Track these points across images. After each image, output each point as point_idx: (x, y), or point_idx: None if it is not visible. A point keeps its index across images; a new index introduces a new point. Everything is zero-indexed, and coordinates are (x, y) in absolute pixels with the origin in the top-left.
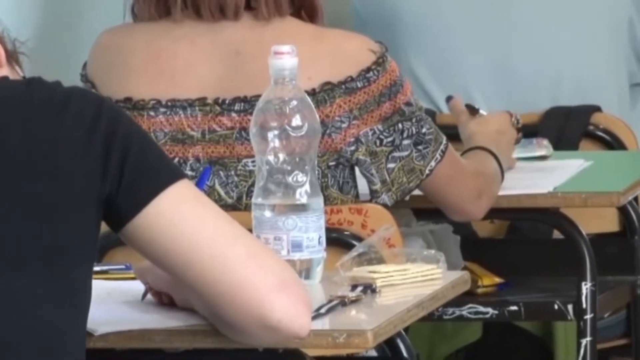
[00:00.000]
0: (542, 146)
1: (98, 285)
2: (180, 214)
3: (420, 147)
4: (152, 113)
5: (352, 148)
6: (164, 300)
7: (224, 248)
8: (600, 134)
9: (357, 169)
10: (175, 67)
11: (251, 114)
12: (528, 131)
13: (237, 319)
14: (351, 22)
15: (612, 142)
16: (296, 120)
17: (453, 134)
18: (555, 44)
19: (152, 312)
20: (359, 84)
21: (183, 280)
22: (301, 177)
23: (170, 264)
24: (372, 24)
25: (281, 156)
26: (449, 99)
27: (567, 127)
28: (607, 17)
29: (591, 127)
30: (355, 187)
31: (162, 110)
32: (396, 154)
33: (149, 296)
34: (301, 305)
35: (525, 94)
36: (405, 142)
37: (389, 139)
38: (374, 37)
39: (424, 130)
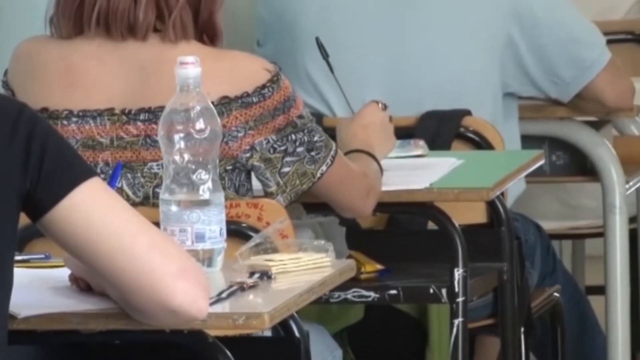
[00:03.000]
0: (419, 146)
1: (20, 273)
2: (92, 208)
3: (312, 153)
4: (65, 122)
5: (247, 155)
6: (82, 285)
7: (131, 239)
8: (470, 135)
9: (252, 174)
10: (86, 81)
11: (155, 123)
12: (406, 133)
13: (143, 303)
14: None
15: (481, 143)
16: (199, 124)
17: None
18: (439, 54)
19: (69, 296)
20: (255, 99)
21: (94, 268)
22: (204, 175)
23: (83, 253)
24: (275, 32)
25: (186, 156)
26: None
27: (440, 129)
28: (484, 32)
29: (462, 129)
30: (250, 189)
31: (74, 119)
32: (289, 159)
33: (68, 282)
34: (200, 291)
35: (412, 97)
36: (299, 149)
37: (282, 148)
38: (279, 43)
39: (315, 138)
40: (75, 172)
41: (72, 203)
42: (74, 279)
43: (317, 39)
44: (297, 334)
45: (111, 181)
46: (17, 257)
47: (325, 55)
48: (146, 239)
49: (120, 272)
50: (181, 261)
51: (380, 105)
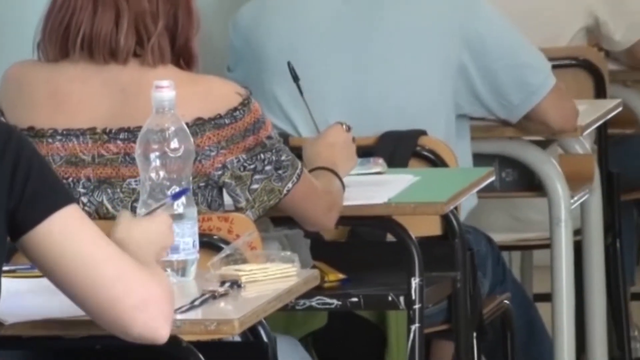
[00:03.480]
0: (378, 164)
1: (7, 283)
2: (65, 235)
3: (279, 172)
4: (50, 140)
5: (219, 173)
6: None
7: (97, 269)
8: (426, 154)
9: (224, 191)
10: (70, 102)
11: (133, 141)
12: (366, 151)
13: (106, 327)
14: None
15: (435, 161)
16: (174, 144)
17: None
18: (397, 79)
19: (53, 304)
20: (227, 121)
21: (62, 292)
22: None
23: (53, 276)
24: (244, 58)
25: (161, 173)
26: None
27: (398, 148)
28: (439, 59)
29: (418, 148)
30: (222, 204)
31: (59, 137)
32: (258, 177)
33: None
34: (160, 321)
35: (372, 119)
36: (267, 168)
37: (252, 166)
38: (248, 68)
39: (282, 158)
40: (55, 198)
41: (48, 228)
42: None
43: (288, 64)
44: (265, 338)
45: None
46: (5, 268)
47: (295, 78)
48: (112, 270)
49: (84, 300)
50: (143, 292)
51: (344, 126)
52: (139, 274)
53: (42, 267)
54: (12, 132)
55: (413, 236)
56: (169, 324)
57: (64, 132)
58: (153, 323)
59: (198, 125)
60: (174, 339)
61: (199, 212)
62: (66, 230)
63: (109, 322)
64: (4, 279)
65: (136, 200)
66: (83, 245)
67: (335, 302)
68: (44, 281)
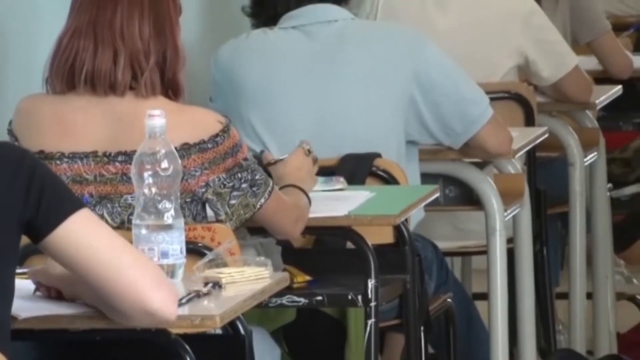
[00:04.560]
0: (340, 182)
1: (21, 283)
2: (81, 234)
3: (254, 189)
4: (58, 162)
5: (203, 190)
6: (53, 294)
7: (115, 258)
8: (380, 173)
9: (207, 205)
10: (75, 129)
11: (130, 163)
12: (329, 171)
13: (126, 307)
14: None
15: (389, 179)
16: (164, 164)
17: None
18: (356, 109)
19: (60, 302)
20: (209, 145)
21: (86, 280)
22: (168, 205)
23: (77, 269)
24: (224, 90)
25: (153, 190)
26: (261, 152)
27: (357, 168)
28: (392, 92)
29: (374, 169)
30: (205, 217)
31: (65, 160)
32: (236, 193)
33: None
34: (172, 298)
35: (334, 143)
36: (243, 185)
37: (230, 184)
38: (227, 98)
39: (256, 177)
40: (68, 205)
41: (65, 230)
42: (45, 288)
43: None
44: (242, 332)
45: None
46: (19, 270)
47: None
48: (128, 257)
49: (107, 284)
50: (156, 275)
51: (306, 148)
52: (149, 260)
53: (65, 264)
54: (25, 153)
55: (369, 244)
56: (177, 303)
57: (70, 155)
58: (168, 299)
59: (185, 149)
60: (164, 332)
61: (186, 223)
62: (82, 230)
63: (131, 301)
64: (18, 280)
65: (131, 213)
66: (99, 240)
67: (302, 300)
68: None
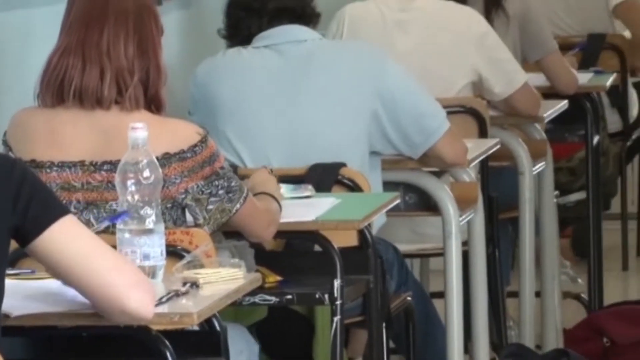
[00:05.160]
0: (308, 189)
1: (12, 284)
2: (65, 239)
3: (230, 195)
4: (48, 170)
5: (183, 196)
6: None
7: (95, 262)
8: (346, 181)
9: (186, 210)
10: (64, 140)
11: (114, 172)
12: (298, 179)
13: (106, 307)
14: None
15: (353, 187)
16: (146, 173)
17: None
18: (324, 122)
19: (49, 301)
20: (189, 155)
21: (70, 283)
22: (149, 211)
23: (60, 272)
24: (201, 104)
25: (136, 197)
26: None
27: (324, 177)
28: (356, 107)
29: (340, 177)
30: (185, 221)
31: (55, 168)
32: (213, 199)
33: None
34: (149, 297)
35: (303, 153)
36: (220, 192)
37: (208, 191)
38: (204, 112)
39: (232, 184)
40: (53, 212)
41: (49, 236)
42: None
43: None
44: (218, 328)
45: (112, 219)
46: (10, 272)
47: None
48: (107, 261)
49: (87, 286)
50: (134, 276)
51: (268, 169)
52: (129, 263)
53: (50, 267)
54: (15, 162)
55: (335, 247)
56: (154, 302)
57: (59, 164)
58: (145, 299)
59: (166, 159)
60: (145, 328)
61: (167, 228)
62: (66, 236)
63: (110, 301)
64: (10, 281)
65: None
66: (81, 245)
67: (273, 298)
68: (42, 282)
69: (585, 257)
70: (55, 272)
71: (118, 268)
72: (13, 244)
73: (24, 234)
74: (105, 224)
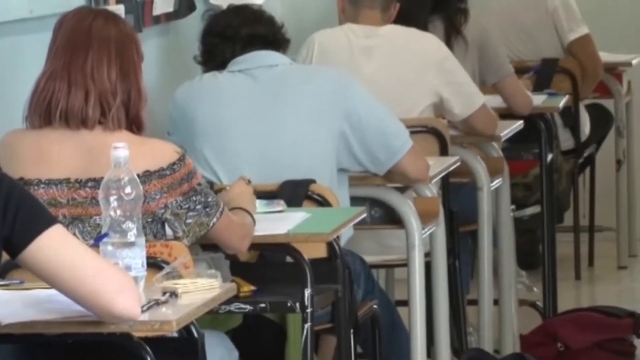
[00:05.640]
0: (280, 204)
1: (1, 294)
2: (52, 248)
3: (207, 210)
4: (35, 187)
5: (162, 211)
6: None
7: (81, 269)
8: (315, 197)
9: (166, 224)
10: (50, 159)
11: (98, 188)
12: (271, 195)
13: (95, 312)
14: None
15: (323, 202)
16: (127, 190)
17: None
18: (294, 142)
19: (37, 310)
20: (168, 172)
21: (60, 290)
22: (131, 225)
23: (50, 279)
24: (180, 125)
25: (118, 212)
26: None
27: (295, 193)
28: (325, 127)
29: (310, 193)
30: (164, 235)
31: (42, 185)
32: (191, 214)
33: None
34: (134, 301)
35: (276, 171)
36: (197, 207)
37: (186, 206)
38: (182, 132)
39: (209, 199)
40: (40, 223)
41: (38, 246)
42: None
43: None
44: (195, 334)
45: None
46: (0, 283)
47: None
48: (92, 268)
49: (76, 293)
50: (119, 281)
51: (245, 180)
52: (113, 269)
53: (40, 276)
54: (3, 176)
55: (306, 258)
56: (139, 304)
57: (46, 181)
58: (129, 303)
59: (146, 176)
60: (127, 335)
61: (147, 241)
62: (53, 245)
63: (96, 306)
64: (0, 291)
65: (99, 232)
66: (67, 254)
67: (248, 307)
68: (31, 292)
69: (527, 268)
70: (46, 280)
71: (103, 274)
72: (5, 256)
73: (13, 245)
74: (90, 243)
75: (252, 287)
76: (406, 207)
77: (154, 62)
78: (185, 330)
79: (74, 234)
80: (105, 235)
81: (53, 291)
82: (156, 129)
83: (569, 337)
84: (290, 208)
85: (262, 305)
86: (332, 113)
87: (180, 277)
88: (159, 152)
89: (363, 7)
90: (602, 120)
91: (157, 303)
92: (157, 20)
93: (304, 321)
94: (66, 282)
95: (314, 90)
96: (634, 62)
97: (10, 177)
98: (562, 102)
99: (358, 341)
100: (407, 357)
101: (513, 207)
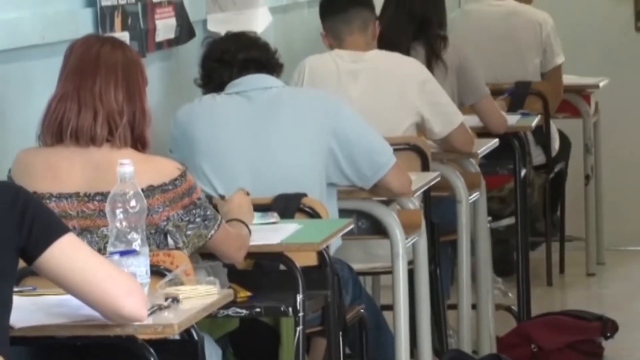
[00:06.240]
0: (273, 217)
1: (15, 300)
2: (64, 255)
3: (206, 222)
4: (47, 201)
5: (165, 223)
6: None
7: (92, 274)
8: (307, 209)
9: (168, 235)
10: (61, 174)
11: (105, 201)
12: (265, 208)
13: (106, 314)
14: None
15: (313, 214)
16: (132, 203)
17: None
18: (286, 159)
19: (49, 315)
20: (170, 187)
21: (73, 294)
22: (136, 236)
23: (63, 284)
24: (180, 143)
25: (124, 223)
26: (222, 197)
27: (287, 206)
28: (315, 144)
29: (301, 206)
30: (166, 245)
31: (54, 199)
32: (191, 226)
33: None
34: (142, 304)
35: (269, 185)
36: (197, 219)
37: (187, 219)
38: (183, 150)
39: (208, 212)
40: (53, 233)
41: (51, 254)
42: None
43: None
44: (196, 337)
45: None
46: (14, 289)
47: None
48: (102, 273)
49: (86, 296)
50: (128, 285)
51: (244, 192)
52: (122, 274)
53: (55, 281)
54: (19, 188)
55: (298, 266)
56: (146, 308)
57: (57, 195)
58: (137, 305)
59: (150, 190)
60: (132, 338)
61: (150, 250)
62: (65, 252)
63: (106, 308)
64: (14, 297)
65: (106, 242)
66: (79, 260)
67: (244, 311)
68: (43, 298)
69: (503, 275)
70: (59, 284)
71: (113, 278)
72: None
73: (29, 254)
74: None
75: (248, 293)
76: (390, 219)
77: (157, 84)
78: (186, 333)
79: None
80: (133, 251)
81: (63, 297)
82: (159, 146)
83: (542, 339)
84: (283, 220)
85: (258, 309)
86: (322, 132)
87: (181, 283)
88: (161, 169)
89: (344, 35)
90: (563, 143)
91: (160, 308)
92: (159, 46)
93: (296, 324)
94: (78, 286)
95: (304, 111)
96: (601, 84)
97: (26, 190)
98: (535, 121)
99: (346, 343)
100: (392, 358)
101: (489, 218)
